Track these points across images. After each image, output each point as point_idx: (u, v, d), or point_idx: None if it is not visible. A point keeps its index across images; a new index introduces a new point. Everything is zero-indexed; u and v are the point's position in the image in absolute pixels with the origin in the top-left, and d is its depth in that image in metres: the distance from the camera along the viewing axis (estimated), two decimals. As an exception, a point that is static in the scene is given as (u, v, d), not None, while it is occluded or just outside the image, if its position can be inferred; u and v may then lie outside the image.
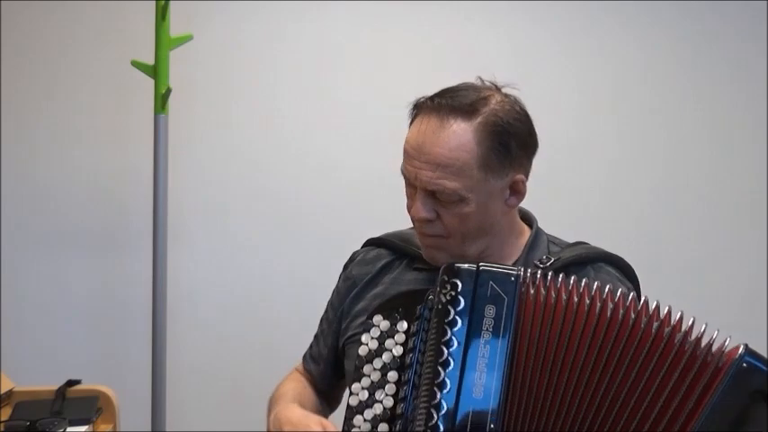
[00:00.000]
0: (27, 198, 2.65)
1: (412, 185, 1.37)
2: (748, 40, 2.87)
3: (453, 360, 1.20)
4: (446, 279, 1.24)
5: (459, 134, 1.33)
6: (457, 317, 1.22)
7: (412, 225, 1.44)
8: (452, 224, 1.36)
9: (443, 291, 1.24)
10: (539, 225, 1.49)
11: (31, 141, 2.65)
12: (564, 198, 2.77)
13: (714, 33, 2.86)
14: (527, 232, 1.48)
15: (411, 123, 1.39)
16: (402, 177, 1.40)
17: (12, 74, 2.61)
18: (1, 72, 2.60)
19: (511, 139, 1.35)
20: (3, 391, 1.81)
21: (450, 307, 1.23)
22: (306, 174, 2.72)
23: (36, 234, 2.65)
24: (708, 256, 2.87)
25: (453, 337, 1.21)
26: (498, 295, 1.23)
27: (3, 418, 1.75)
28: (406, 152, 1.37)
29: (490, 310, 1.22)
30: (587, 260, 1.42)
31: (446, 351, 1.21)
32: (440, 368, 1.20)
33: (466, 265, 1.25)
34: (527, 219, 1.50)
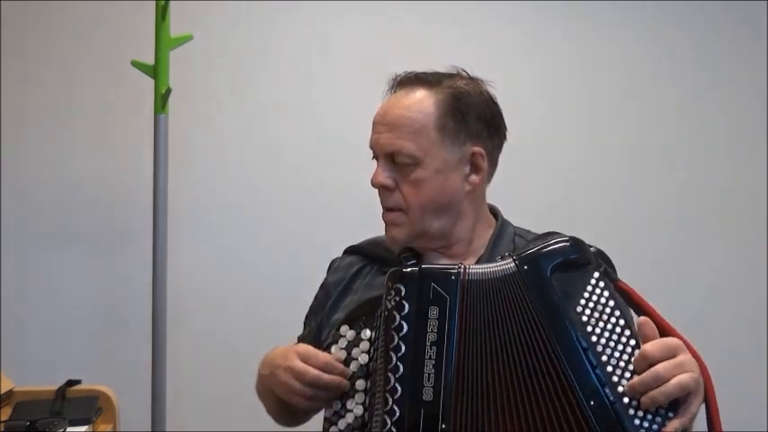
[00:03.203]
0: (27, 198, 2.65)
1: (376, 156, 1.43)
2: (748, 39, 2.87)
3: (402, 365, 1.22)
4: (390, 285, 1.26)
5: (419, 98, 1.40)
6: (403, 321, 1.23)
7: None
8: (410, 194, 1.39)
9: (389, 297, 1.25)
10: (504, 217, 1.50)
11: (31, 141, 2.65)
12: (564, 197, 2.78)
13: (714, 33, 2.87)
14: (494, 225, 1.48)
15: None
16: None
17: (12, 74, 2.61)
18: (1, 72, 2.60)
19: (469, 109, 1.40)
20: (3, 391, 1.81)
21: (395, 312, 1.24)
22: (306, 173, 2.72)
23: (36, 234, 2.65)
24: (708, 256, 2.87)
25: (400, 343, 1.23)
26: (440, 296, 1.24)
27: (3, 418, 1.75)
28: (373, 122, 1.43)
29: (434, 312, 1.23)
30: None
31: (394, 357, 1.22)
32: (390, 374, 1.22)
33: (408, 269, 1.26)
34: (493, 212, 1.51)
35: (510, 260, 1.25)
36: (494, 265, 1.26)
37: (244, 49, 2.72)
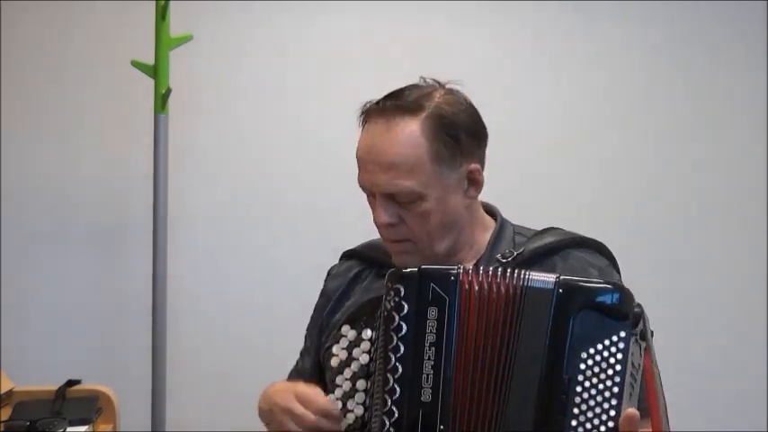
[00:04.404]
0: (27, 198, 2.65)
1: (371, 193, 1.37)
2: (748, 40, 2.87)
3: (401, 366, 1.22)
4: (390, 285, 1.25)
5: (407, 132, 1.32)
6: (402, 322, 1.23)
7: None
8: (416, 225, 1.35)
9: (388, 297, 1.25)
10: (503, 217, 1.48)
11: (31, 141, 2.65)
12: (561, 197, 2.77)
13: (714, 33, 2.86)
14: (493, 226, 1.46)
15: (362, 131, 1.39)
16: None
17: (12, 74, 2.61)
18: (1, 72, 2.60)
19: (459, 130, 1.35)
20: (3, 391, 1.81)
21: (394, 313, 1.23)
22: (306, 174, 2.72)
23: (36, 234, 2.65)
24: (708, 256, 2.87)
25: (399, 343, 1.22)
26: (440, 297, 1.23)
27: (3, 418, 1.75)
28: (358, 160, 1.37)
29: (433, 313, 1.23)
30: (552, 250, 1.40)
31: (393, 358, 1.22)
32: (389, 375, 1.22)
33: (407, 270, 1.26)
34: (491, 212, 1.49)
35: (553, 277, 1.23)
36: (537, 275, 1.24)
37: (244, 49, 2.72)
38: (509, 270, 1.25)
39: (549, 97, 2.81)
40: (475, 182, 1.39)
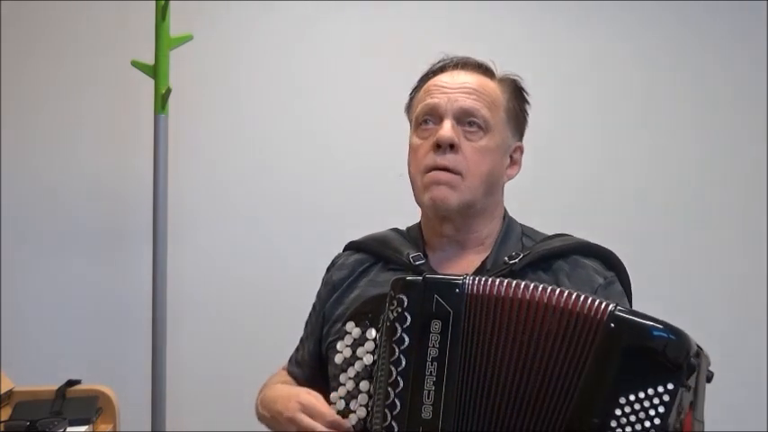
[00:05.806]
0: (27, 198, 2.65)
1: (437, 115, 1.40)
2: (748, 40, 2.87)
3: (402, 380, 1.19)
4: (393, 294, 1.23)
5: (488, 82, 1.43)
6: (404, 334, 1.20)
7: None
8: (474, 159, 1.38)
9: (391, 307, 1.22)
10: (511, 216, 1.49)
11: (31, 141, 2.65)
12: (561, 196, 2.77)
13: (714, 33, 2.86)
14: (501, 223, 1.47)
15: (430, 78, 1.45)
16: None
17: (12, 74, 2.61)
18: (1, 72, 2.60)
19: (523, 102, 1.47)
20: (3, 391, 1.81)
21: (397, 324, 1.21)
22: (306, 173, 2.72)
23: (36, 234, 2.65)
24: (708, 256, 2.86)
25: (401, 356, 1.20)
26: (444, 309, 1.20)
27: (3, 418, 1.75)
28: (433, 87, 1.42)
29: (436, 326, 1.19)
30: (560, 254, 1.39)
31: (394, 371, 1.20)
32: (389, 389, 1.19)
33: (411, 278, 1.24)
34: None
35: (612, 306, 1.15)
36: (590, 298, 1.17)
37: (244, 49, 2.72)
38: (544, 286, 1.20)
39: (547, 97, 2.80)
40: (514, 162, 1.45)
